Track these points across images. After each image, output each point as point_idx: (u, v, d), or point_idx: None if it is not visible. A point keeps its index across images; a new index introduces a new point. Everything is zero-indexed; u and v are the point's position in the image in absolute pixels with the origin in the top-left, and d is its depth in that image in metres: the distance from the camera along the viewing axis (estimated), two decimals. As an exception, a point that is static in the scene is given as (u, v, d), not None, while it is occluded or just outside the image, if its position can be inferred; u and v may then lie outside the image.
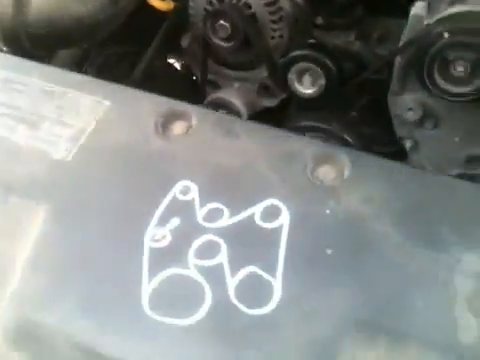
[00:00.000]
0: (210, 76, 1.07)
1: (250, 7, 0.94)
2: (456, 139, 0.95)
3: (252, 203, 0.61)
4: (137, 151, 0.67)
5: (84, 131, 0.69)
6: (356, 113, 1.03)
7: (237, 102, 1.02)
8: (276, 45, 0.97)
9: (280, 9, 0.94)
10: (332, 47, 0.97)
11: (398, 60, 0.89)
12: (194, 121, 0.68)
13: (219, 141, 0.67)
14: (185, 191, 0.63)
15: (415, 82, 0.90)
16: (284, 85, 0.99)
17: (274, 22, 0.95)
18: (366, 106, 1.02)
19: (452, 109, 0.91)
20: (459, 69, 0.82)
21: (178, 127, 0.69)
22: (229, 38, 0.95)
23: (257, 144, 0.66)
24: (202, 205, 0.62)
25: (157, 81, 1.11)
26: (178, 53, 1.21)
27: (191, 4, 1.00)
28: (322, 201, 0.61)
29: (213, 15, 0.95)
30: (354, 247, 0.58)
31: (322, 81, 0.95)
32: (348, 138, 0.99)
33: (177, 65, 1.26)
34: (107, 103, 0.71)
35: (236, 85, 1.05)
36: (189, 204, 0.62)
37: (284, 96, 1.03)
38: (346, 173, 0.64)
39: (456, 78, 0.83)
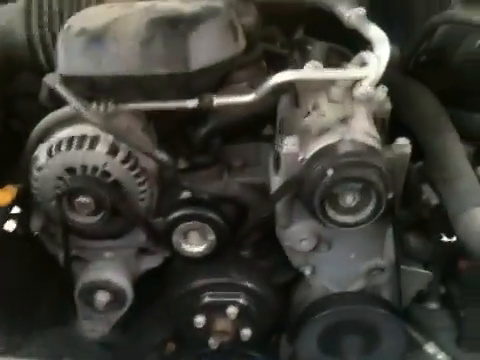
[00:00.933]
0: (73, 252, 0.92)
1: (109, 175, 0.83)
2: (352, 255, 0.94)
3: None
4: None
5: None
6: (248, 252, 0.96)
7: (115, 277, 0.89)
8: (148, 206, 0.87)
9: (143, 170, 0.84)
10: (209, 197, 0.89)
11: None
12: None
13: None
14: None
15: (303, 212, 0.86)
16: (168, 246, 0.89)
17: (140, 184, 0.85)
18: (256, 242, 0.96)
19: (343, 231, 0.89)
20: (348, 201, 0.79)
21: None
22: (93, 213, 0.82)
23: None
24: None
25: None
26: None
27: (35, 184, 0.85)
28: None
29: (69, 193, 0.82)
30: None
31: (211, 236, 0.86)
32: (250, 285, 0.91)
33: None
34: None
35: (107, 255, 0.92)
36: None
37: (166, 254, 0.93)
38: None
39: (346, 209, 0.80)
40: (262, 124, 0.99)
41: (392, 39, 0.99)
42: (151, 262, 0.94)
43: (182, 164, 0.94)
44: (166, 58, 0.77)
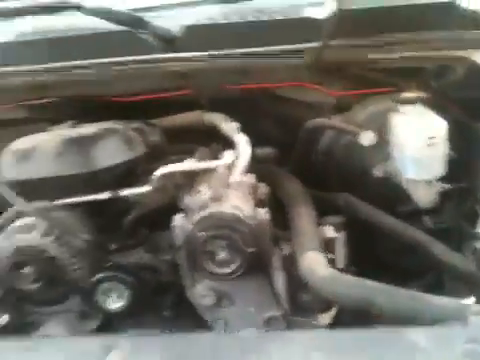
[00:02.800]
0: (28, 318, 1.18)
1: (46, 251, 1.11)
2: (252, 309, 1.16)
3: None
4: None
5: None
6: (168, 312, 1.20)
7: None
8: (79, 275, 1.14)
9: (72, 247, 1.13)
10: (126, 264, 1.16)
11: (180, 261, 1.11)
12: None
13: None
14: None
15: (201, 274, 1.11)
16: (97, 306, 1.14)
17: (71, 258, 1.13)
18: (175, 304, 1.20)
19: (236, 287, 1.12)
20: (221, 255, 1.05)
21: None
22: (34, 281, 1.09)
23: None
24: None
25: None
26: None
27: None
28: None
29: (16, 265, 1.10)
30: None
31: (126, 293, 1.12)
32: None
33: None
34: None
35: (55, 319, 1.18)
36: None
37: (101, 315, 1.18)
38: None
39: (221, 262, 1.06)
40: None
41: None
42: (91, 324, 1.18)
43: (112, 246, 1.22)
44: (75, 162, 1.10)
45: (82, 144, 1.12)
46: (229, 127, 1.23)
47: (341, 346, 0.75)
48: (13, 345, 0.83)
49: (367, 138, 1.28)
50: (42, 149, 1.11)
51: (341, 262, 1.10)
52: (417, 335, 0.72)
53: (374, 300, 0.89)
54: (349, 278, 0.95)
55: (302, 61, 1.23)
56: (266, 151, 1.29)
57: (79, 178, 1.11)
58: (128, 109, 1.34)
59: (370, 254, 1.29)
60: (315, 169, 1.44)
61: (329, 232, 1.11)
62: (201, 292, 1.14)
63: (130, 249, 1.22)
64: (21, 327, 1.17)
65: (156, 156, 1.25)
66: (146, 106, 1.36)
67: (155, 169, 1.19)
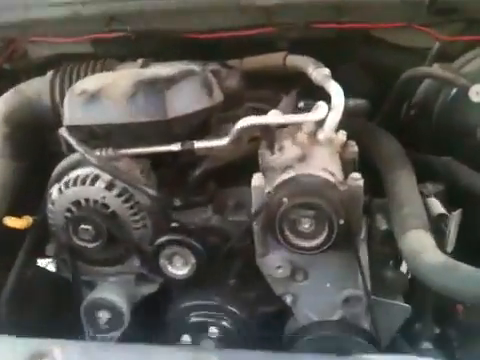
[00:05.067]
0: (83, 277, 1.08)
1: (108, 207, 0.99)
2: (328, 285, 1.02)
3: None
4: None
5: None
6: (234, 280, 1.07)
7: (117, 299, 1.03)
8: (141, 235, 1.02)
9: (137, 203, 1.00)
10: (193, 227, 1.03)
11: (255, 226, 0.97)
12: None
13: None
14: None
15: (275, 242, 0.97)
16: (158, 271, 1.02)
17: (134, 215, 1.00)
18: (242, 272, 1.07)
19: (315, 260, 0.98)
20: (305, 226, 0.90)
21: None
22: (94, 239, 0.98)
23: None
24: None
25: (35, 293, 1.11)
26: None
27: (50, 215, 1.03)
28: None
29: (74, 221, 0.98)
30: None
31: (192, 260, 0.99)
32: (233, 308, 1.01)
33: (51, 266, 1.25)
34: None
35: (111, 280, 1.07)
36: None
37: (162, 281, 1.06)
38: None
39: (305, 233, 0.90)
40: (254, 167, 1.14)
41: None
42: (149, 288, 1.07)
43: (177, 202, 1.09)
44: (146, 109, 0.95)
45: (155, 88, 0.95)
46: (319, 73, 1.03)
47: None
48: None
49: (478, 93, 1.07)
50: (110, 92, 0.95)
51: (451, 245, 0.92)
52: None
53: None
54: (468, 269, 0.78)
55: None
56: (358, 103, 1.09)
57: (150, 126, 0.96)
58: (203, 47, 1.17)
59: (472, 233, 1.09)
60: (406, 126, 1.24)
61: (438, 207, 0.93)
62: (275, 263, 1.00)
63: (196, 207, 1.09)
64: (77, 286, 1.07)
65: (233, 103, 1.08)
66: (222, 45, 1.18)
67: (231, 118, 1.03)
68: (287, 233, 0.91)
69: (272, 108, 1.18)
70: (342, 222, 0.88)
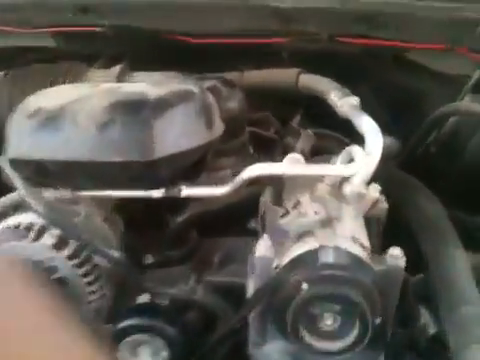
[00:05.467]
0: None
1: (55, 270, 0.72)
2: None
3: None
4: None
5: None
6: None
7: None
8: (98, 308, 0.75)
9: (95, 267, 0.73)
10: (171, 301, 0.77)
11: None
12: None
13: None
14: None
15: (276, 330, 0.72)
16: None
17: (89, 284, 0.73)
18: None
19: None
20: (327, 323, 0.66)
21: None
22: None
23: None
24: None
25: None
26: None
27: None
28: None
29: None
30: None
31: (164, 352, 0.73)
32: None
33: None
34: None
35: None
36: None
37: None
38: None
39: (325, 333, 0.66)
40: (249, 215, 0.89)
41: (394, 132, 0.90)
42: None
43: (149, 259, 0.83)
44: (124, 145, 0.68)
45: (139, 115, 0.68)
46: (346, 103, 0.78)
47: None
48: None
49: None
50: (75, 114, 0.69)
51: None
52: None
53: None
54: None
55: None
56: (387, 142, 0.84)
57: (127, 168, 0.69)
58: (192, 53, 0.91)
59: None
60: (420, 164, 1.02)
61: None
62: (272, 355, 0.75)
63: (173, 265, 0.83)
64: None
65: (233, 130, 0.83)
66: (216, 52, 0.93)
67: (230, 152, 0.81)
68: (301, 329, 0.66)
69: (275, 136, 0.96)
70: (378, 321, 0.65)
